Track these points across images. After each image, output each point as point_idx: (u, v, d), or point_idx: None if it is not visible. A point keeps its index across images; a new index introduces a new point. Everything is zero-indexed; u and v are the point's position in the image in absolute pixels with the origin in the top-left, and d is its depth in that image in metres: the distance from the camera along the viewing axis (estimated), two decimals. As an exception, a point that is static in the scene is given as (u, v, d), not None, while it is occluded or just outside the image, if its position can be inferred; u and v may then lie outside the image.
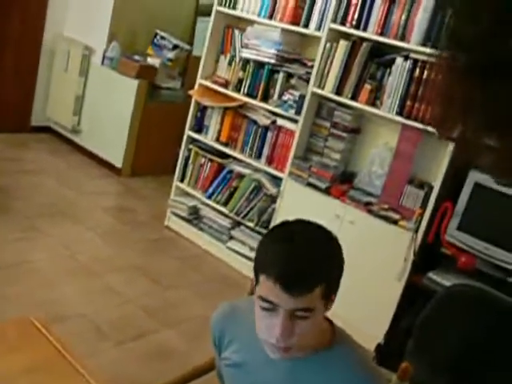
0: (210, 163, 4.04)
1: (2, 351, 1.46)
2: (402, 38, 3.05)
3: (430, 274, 2.90)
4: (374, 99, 3.22)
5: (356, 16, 3.21)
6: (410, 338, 1.17)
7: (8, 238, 3.47)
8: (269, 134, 3.69)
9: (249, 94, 3.74)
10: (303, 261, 1.05)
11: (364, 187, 3.36)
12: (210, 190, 4.00)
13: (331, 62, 3.32)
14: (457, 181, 2.91)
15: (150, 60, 5.01)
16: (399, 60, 3.10)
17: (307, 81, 3.45)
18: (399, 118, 3.08)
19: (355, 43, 3.24)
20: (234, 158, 3.90)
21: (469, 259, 2.84)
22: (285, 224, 1.15)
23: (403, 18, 3.05)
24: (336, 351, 1.15)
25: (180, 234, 4.16)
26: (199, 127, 4.09)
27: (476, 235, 2.83)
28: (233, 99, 3.82)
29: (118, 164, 5.03)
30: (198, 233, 4.08)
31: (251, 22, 3.73)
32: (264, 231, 3.59)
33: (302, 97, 3.44)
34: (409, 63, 3.05)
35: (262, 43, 3.63)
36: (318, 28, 3.38)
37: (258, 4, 3.65)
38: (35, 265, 3.27)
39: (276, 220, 3.57)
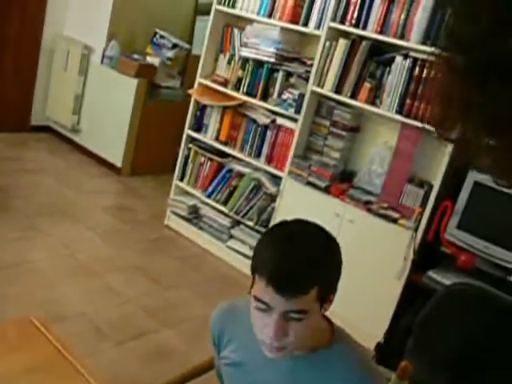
0: (209, 162, 4.04)
1: (1, 351, 1.46)
2: (402, 37, 3.05)
3: (430, 273, 2.90)
4: (374, 98, 3.21)
5: (355, 14, 3.20)
6: (409, 336, 1.17)
7: (8, 237, 3.47)
8: (268, 133, 3.69)
9: (248, 93, 3.74)
10: (298, 262, 1.04)
11: (364, 186, 3.36)
12: (210, 189, 4.00)
13: (331, 61, 3.32)
14: (456, 179, 2.91)
15: (149, 59, 5.01)
16: (399, 58, 3.09)
17: (307, 79, 3.44)
18: (399, 117, 3.08)
19: (355, 42, 3.24)
20: (234, 157, 3.90)
21: (468, 258, 2.84)
22: (283, 224, 1.14)
23: (402, 16, 3.04)
24: (335, 350, 1.14)
25: (180, 233, 4.16)
26: (199, 126, 4.09)
27: (476, 234, 2.83)
28: (232, 98, 3.82)
29: (118, 163, 5.03)
30: (197, 232, 4.08)
31: (250, 21, 3.73)
32: (264, 230, 3.59)
33: (302, 95, 3.44)
34: (408, 62, 3.05)
35: (261, 42, 3.62)
36: (318, 27, 3.37)
37: (258, 3, 3.65)
38: (35, 264, 3.27)
39: (276, 219, 3.57)
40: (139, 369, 2.61)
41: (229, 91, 3.84)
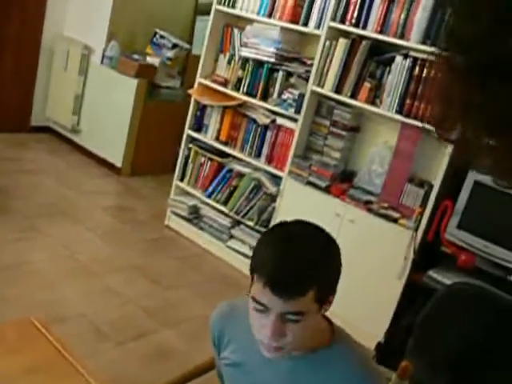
0: (209, 162, 4.04)
1: (2, 352, 1.46)
2: (402, 36, 3.05)
3: (430, 273, 2.90)
4: (374, 97, 3.21)
5: (355, 14, 3.20)
6: (410, 336, 1.17)
7: (7, 238, 3.47)
8: (268, 133, 3.69)
9: (248, 93, 3.74)
10: (295, 264, 1.03)
11: (364, 186, 3.35)
12: (210, 189, 4.00)
13: (331, 61, 3.31)
14: (457, 179, 2.91)
15: (149, 59, 5.01)
16: (399, 58, 3.09)
17: (307, 79, 3.44)
18: (399, 117, 3.08)
19: (355, 41, 3.24)
20: (234, 157, 3.90)
21: (469, 257, 2.84)
22: (282, 225, 1.13)
23: (402, 16, 3.04)
24: (335, 350, 1.14)
25: (180, 233, 4.16)
26: (199, 126, 4.09)
27: (476, 233, 2.83)
28: (232, 98, 3.82)
29: (118, 163, 5.03)
30: (198, 232, 4.08)
31: (250, 21, 3.73)
32: (264, 230, 3.59)
33: (302, 95, 3.44)
34: (408, 61, 3.05)
35: (261, 42, 3.62)
36: (318, 26, 3.37)
37: (257, 3, 3.64)
38: (35, 265, 3.27)
39: (276, 219, 3.57)
40: (139, 369, 2.61)
41: (229, 91, 3.84)
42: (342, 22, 3.26)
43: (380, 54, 3.21)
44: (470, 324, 1.03)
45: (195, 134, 4.08)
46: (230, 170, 3.93)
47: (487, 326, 1.00)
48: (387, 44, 3.13)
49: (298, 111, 3.46)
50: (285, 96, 3.56)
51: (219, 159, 3.96)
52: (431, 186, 3.04)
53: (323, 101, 3.47)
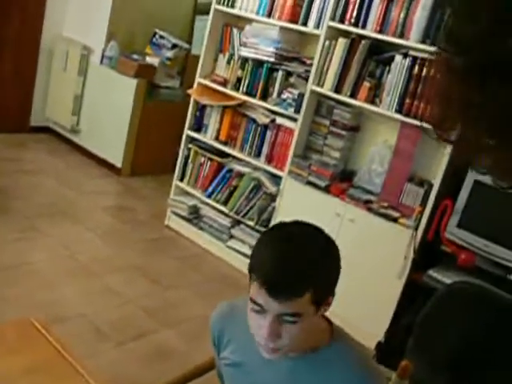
0: (209, 162, 4.04)
1: (1, 352, 1.46)
2: (401, 36, 3.05)
3: (430, 272, 2.90)
4: (373, 97, 3.21)
5: (355, 14, 3.20)
6: (410, 335, 1.17)
7: (7, 238, 3.46)
8: (268, 133, 3.69)
9: (248, 93, 3.74)
10: (292, 266, 1.03)
11: (364, 185, 3.35)
12: (210, 189, 4.00)
13: (330, 60, 3.31)
14: (457, 178, 2.91)
15: (148, 59, 5.01)
16: (398, 57, 3.09)
17: (306, 79, 3.44)
18: (398, 116, 3.08)
19: (354, 41, 3.24)
20: (234, 157, 3.90)
21: (469, 256, 2.84)
22: (281, 225, 1.13)
23: (402, 15, 3.04)
24: (335, 350, 1.14)
25: (180, 233, 4.16)
26: (198, 126, 4.09)
27: (476, 232, 2.83)
28: (232, 98, 3.82)
29: (118, 163, 5.03)
30: (198, 232, 4.07)
31: (249, 21, 3.73)
32: (264, 230, 3.59)
33: (301, 95, 3.44)
34: (408, 61, 3.05)
35: (260, 42, 3.62)
36: (317, 26, 3.37)
37: (257, 2, 3.64)
38: (34, 266, 3.27)
39: (276, 219, 3.57)
40: (139, 369, 2.60)
41: (228, 91, 3.84)
42: (342, 21, 3.26)
43: (379, 54, 3.21)
44: (470, 323, 1.03)
45: (195, 134, 4.08)
46: (230, 170, 3.93)
47: (487, 325, 1.00)
48: (387, 43, 3.13)
49: (297, 111, 3.46)
50: (284, 96, 3.56)
51: (219, 159, 3.96)
52: (431, 185, 3.04)
53: (323, 100, 3.47)
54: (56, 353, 1.48)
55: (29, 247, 3.46)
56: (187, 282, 3.54)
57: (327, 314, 1.15)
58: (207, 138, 4.02)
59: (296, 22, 3.47)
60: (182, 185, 4.19)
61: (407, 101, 3.05)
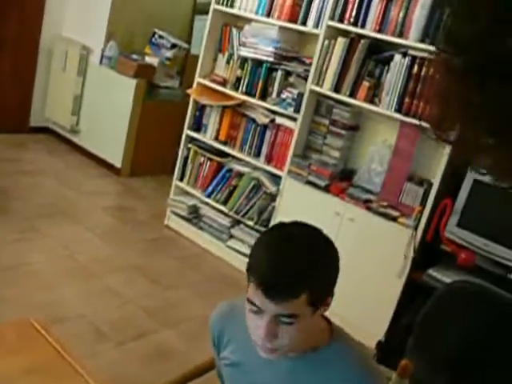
0: (209, 162, 4.04)
1: (1, 353, 1.46)
2: (400, 35, 3.04)
3: (430, 271, 2.90)
4: (373, 96, 3.21)
5: (354, 13, 3.20)
6: (410, 335, 1.17)
7: (6, 239, 3.46)
8: (268, 133, 3.69)
9: (247, 93, 3.74)
10: (288, 267, 1.03)
11: (363, 184, 3.35)
12: (210, 189, 4.00)
13: (329, 60, 3.31)
14: (456, 178, 2.91)
15: (148, 59, 5.01)
16: (397, 57, 3.09)
17: (305, 78, 3.44)
18: (398, 115, 3.08)
19: (353, 40, 3.24)
20: (233, 157, 3.90)
21: (468, 256, 2.84)
22: (279, 226, 1.13)
23: (401, 14, 3.04)
24: (334, 350, 1.14)
25: (180, 233, 4.16)
26: (198, 126, 4.09)
27: (475, 232, 2.83)
28: (231, 98, 3.82)
29: (117, 164, 5.03)
30: (197, 232, 4.07)
31: (249, 20, 3.73)
32: (264, 229, 3.59)
33: (301, 95, 3.44)
34: (407, 60, 3.05)
35: (259, 41, 3.62)
36: (316, 25, 3.37)
37: (256, 2, 3.64)
38: (34, 266, 3.27)
39: (276, 218, 3.57)
40: (139, 369, 2.60)
41: (228, 91, 3.84)
42: (341, 21, 3.26)
43: (379, 53, 3.21)
44: (470, 322, 1.02)
45: (194, 134, 4.08)
46: (230, 170, 3.92)
47: (487, 324, 1.00)
48: (386, 43, 3.13)
49: (297, 110, 3.46)
50: (284, 95, 3.55)
51: (218, 159, 3.96)
52: (431, 185, 3.04)
53: (322, 100, 3.47)
54: (56, 353, 1.48)
55: (28, 248, 3.46)
56: (187, 281, 3.54)
57: (327, 313, 1.15)
58: (207, 137, 4.02)
59: (295, 22, 3.47)
60: (182, 185, 4.19)
61: (406, 100, 3.05)
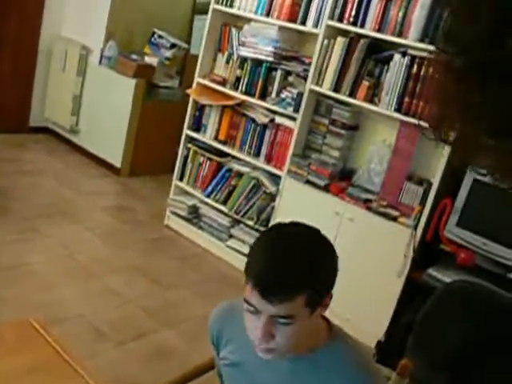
0: (208, 162, 4.04)
1: (0, 353, 1.46)
2: (400, 35, 3.04)
3: (430, 271, 2.90)
4: (372, 96, 3.21)
5: (353, 13, 3.20)
6: (410, 334, 1.17)
7: (6, 239, 3.46)
8: (267, 132, 3.69)
9: (247, 92, 3.74)
10: (284, 269, 1.02)
11: (363, 184, 3.35)
12: (209, 189, 4.00)
13: (329, 59, 3.31)
14: (456, 177, 2.91)
15: (147, 59, 5.00)
16: (397, 56, 3.09)
17: (305, 78, 3.44)
18: (397, 115, 3.08)
19: (353, 40, 3.24)
20: (233, 157, 3.90)
21: (468, 255, 2.84)
22: (278, 226, 1.13)
23: (400, 14, 3.04)
24: (333, 350, 1.14)
25: (179, 233, 4.16)
26: (197, 126, 4.09)
27: (475, 231, 2.83)
28: (231, 97, 3.82)
29: (117, 164, 5.02)
30: (197, 232, 4.07)
31: (248, 20, 3.72)
32: (264, 229, 3.59)
33: (300, 94, 3.44)
34: (407, 59, 3.05)
35: (259, 41, 3.62)
36: (316, 25, 3.37)
37: (255, 2, 3.64)
38: (33, 266, 3.26)
39: (275, 218, 3.57)
40: (139, 369, 2.60)
41: (227, 90, 3.83)
42: (340, 20, 3.26)
43: (378, 53, 3.21)
44: (469, 322, 1.02)
45: (194, 134, 4.08)
46: (229, 170, 3.92)
47: (487, 324, 1.00)
48: (385, 42, 3.13)
49: (296, 110, 3.46)
50: (283, 95, 3.55)
51: (218, 159, 3.96)
52: (430, 184, 3.04)
53: (322, 99, 3.47)
54: (55, 353, 1.48)
55: (28, 248, 3.46)
56: (187, 281, 3.53)
57: (327, 312, 1.15)
58: (206, 137, 4.02)
59: (295, 21, 3.47)
60: (182, 184, 4.19)
61: (406, 100, 3.05)
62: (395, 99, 3.08)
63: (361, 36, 3.21)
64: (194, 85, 4.02)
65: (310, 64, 3.41)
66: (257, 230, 3.72)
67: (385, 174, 3.24)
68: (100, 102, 5.14)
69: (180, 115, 4.24)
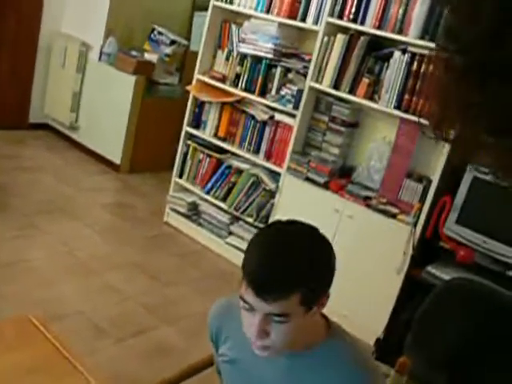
0: (208, 159, 4.04)
1: (0, 350, 1.46)
2: (400, 32, 3.04)
3: (429, 268, 2.90)
4: (372, 93, 3.21)
5: (353, 9, 3.19)
6: (409, 331, 1.17)
7: (5, 235, 3.46)
8: (267, 129, 3.69)
9: (246, 89, 3.73)
10: (279, 268, 1.01)
11: (363, 181, 3.35)
12: (209, 186, 4.00)
13: (329, 56, 3.31)
14: (455, 175, 2.90)
15: (147, 56, 5.00)
16: (397, 54, 3.09)
17: (305, 75, 3.44)
18: (397, 112, 3.08)
19: (353, 37, 3.23)
20: (233, 154, 3.89)
21: (467, 253, 2.84)
22: (274, 224, 1.12)
23: (401, 11, 3.03)
24: (331, 347, 1.14)
25: (179, 229, 4.16)
26: (197, 123, 4.08)
27: (475, 229, 2.83)
28: (230, 94, 3.81)
29: (117, 160, 5.02)
30: (197, 229, 4.07)
31: (248, 17, 3.72)
32: (263, 226, 3.59)
33: (300, 91, 3.43)
34: (407, 57, 3.04)
35: (259, 38, 3.61)
36: (316, 22, 3.36)
37: (255, -2, 3.63)
38: (33, 263, 3.27)
39: (275, 215, 3.57)
40: (139, 366, 2.61)
41: (227, 87, 3.83)
42: (340, 17, 3.25)
43: (378, 50, 3.21)
44: (468, 320, 1.02)
45: (193, 131, 4.07)
46: (229, 167, 3.92)
47: (486, 321, 1.00)
48: (385, 39, 3.13)
49: (296, 107, 3.46)
50: (283, 92, 3.55)
51: (218, 155, 3.95)
52: (430, 182, 3.04)
53: (321, 96, 3.46)
54: (55, 350, 1.48)
55: (27, 244, 3.46)
56: (186, 278, 3.54)
57: (325, 310, 1.15)
58: (206, 134, 4.02)
59: (294, 18, 3.46)
60: (181, 181, 4.19)
61: (406, 97, 3.04)
62: (395, 96, 3.08)
63: (361, 33, 3.21)
64: (194, 81, 4.01)
65: (309, 61, 3.40)
66: (256, 227, 3.72)
67: (384, 171, 3.24)
68: (100, 98, 5.13)
69: (180, 112, 4.24)
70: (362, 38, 3.20)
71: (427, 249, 3.04)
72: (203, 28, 3.94)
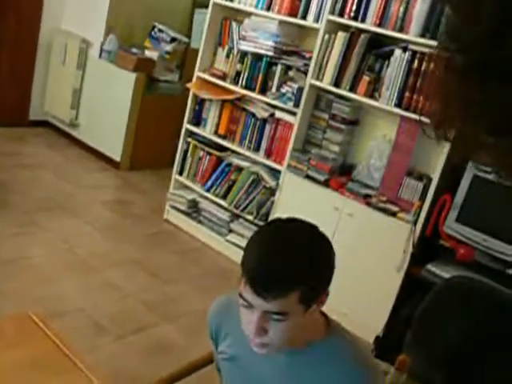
0: (208, 156, 4.03)
1: (0, 347, 1.46)
2: (401, 30, 3.04)
3: (429, 266, 2.90)
4: (373, 91, 3.20)
5: (354, 7, 3.19)
6: (408, 329, 1.17)
7: (6, 233, 3.46)
8: (267, 127, 3.68)
9: (247, 87, 3.73)
10: (278, 265, 1.01)
11: (363, 179, 3.35)
12: (209, 183, 4.00)
13: (329, 54, 3.30)
14: (456, 173, 2.90)
15: (147, 53, 4.99)
16: (398, 51, 3.08)
17: (305, 73, 3.43)
18: (398, 110, 3.07)
19: (353, 35, 3.23)
20: (233, 151, 3.89)
21: (467, 251, 2.84)
22: (275, 222, 1.12)
23: (401, 9, 3.03)
24: (330, 344, 1.14)
25: (179, 227, 4.16)
26: (197, 120, 4.08)
27: (475, 227, 2.83)
28: (231, 92, 3.81)
29: (117, 157, 5.02)
30: (197, 226, 4.07)
31: (249, 14, 3.71)
32: (263, 224, 3.59)
33: (301, 89, 3.43)
34: (407, 55, 3.04)
35: (259, 35, 3.61)
36: (316, 20, 3.36)
37: (256, -4, 3.63)
38: (33, 260, 3.27)
39: (275, 213, 3.57)
40: (139, 363, 2.61)
41: (227, 85, 3.83)
42: (341, 15, 3.25)
43: (379, 48, 3.20)
44: (468, 318, 1.02)
45: (194, 128, 4.07)
46: (229, 164, 3.92)
47: (486, 319, 1.00)
48: (386, 37, 3.12)
49: (296, 105, 3.45)
50: (283, 89, 3.55)
51: (218, 153, 3.95)
52: (430, 180, 3.04)
53: (322, 94, 3.46)
54: (55, 347, 1.48)
55: (27, 242, 3.46)
56: (186, 276, 3.54)
57: (325, 307, 1.15)
58: (206, 131, 4.02)
59: (295, 16, 3.46)
60: (181, 179, 4.19)
61: (406, 95, 3.04)
62: (396, 94, 3.08)
63: (361, 31, 3.20)
64: (194, 79, 4.01)
65: (310, 59, 3.40)
66: (256, 225, 3.72)
67: (385, 169, 3.24)
68: (100, 95, 5.13)
69: (180, 109, 4.23)
70: (362, 35, 3.20)
71: (427, 247, 3.04)
72: (204, 25, 3.93)
